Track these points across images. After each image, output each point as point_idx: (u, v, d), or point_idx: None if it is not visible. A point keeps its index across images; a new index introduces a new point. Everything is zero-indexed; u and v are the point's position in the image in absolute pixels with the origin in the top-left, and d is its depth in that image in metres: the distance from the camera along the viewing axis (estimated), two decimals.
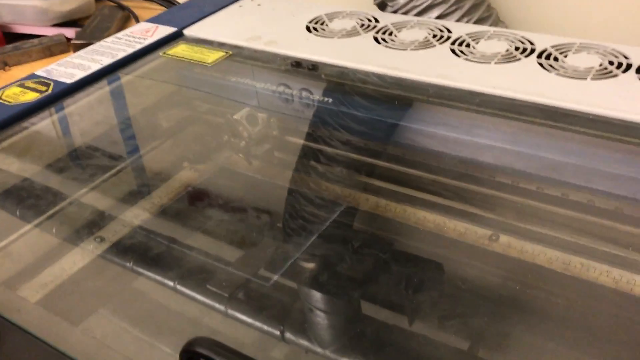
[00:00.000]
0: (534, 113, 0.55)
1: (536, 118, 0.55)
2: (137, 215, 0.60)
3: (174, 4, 1.07)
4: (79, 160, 0.67)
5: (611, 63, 0.59)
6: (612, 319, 0.48)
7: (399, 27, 0.71)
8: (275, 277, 0.51)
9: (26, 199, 0.60)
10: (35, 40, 0.99)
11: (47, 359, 0.37)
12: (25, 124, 0.62)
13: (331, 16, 0.75)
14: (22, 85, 0.66)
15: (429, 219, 0.56)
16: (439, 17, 0.75)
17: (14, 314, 0.40)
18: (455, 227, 0.55)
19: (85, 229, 0.58)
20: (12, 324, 0.39)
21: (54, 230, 0.59)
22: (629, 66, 0.59)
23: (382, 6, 0.79)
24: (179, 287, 0.51)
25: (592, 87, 0.56)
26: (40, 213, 0.58)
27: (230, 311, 0.49)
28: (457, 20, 0.75)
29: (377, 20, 0.73)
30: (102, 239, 0.58)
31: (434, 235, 0.55)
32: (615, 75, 0.58)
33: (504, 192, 0.57)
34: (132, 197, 0.63)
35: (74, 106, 0.65)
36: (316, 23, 0.74)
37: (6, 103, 0.63)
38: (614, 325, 0.47)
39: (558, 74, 0.59)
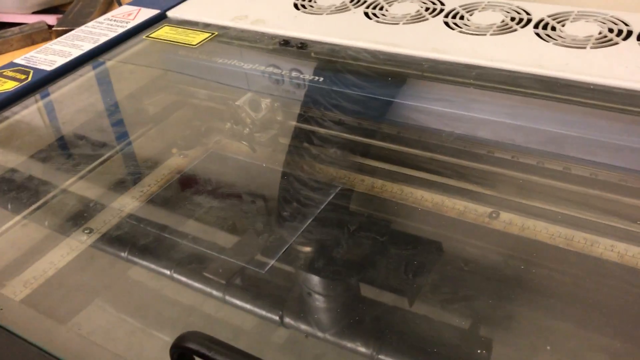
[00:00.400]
0: (533, 85, 0.53)
1: (535, 90, 0.53)
2: (126, 204, 0.58)
3: None
4: (61, 149, 0.64)
5: (611, 30, 0.57)
6: (617, 293, 0.46)
7: (390, 1, 0.68)
8: (272, 262, 0.50)
9: (9, 191, 0.57)
10: (16, 29, 0.96)
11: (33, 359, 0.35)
12: (5, 113, 0.59)
13: None
14: (0, 75, 0.64)
15: (427, 198, 0.55)
16: None
17: None
18: (454, 205, 0.54)
19: (73, 221, 0.56)
20: None
21: (40, 223, 0.57)
22: (629, 33, 0.57)
23: None
24: (175, 275, 0.50)
25: (592, 56, 0.54)
26: (24, 205, 0.56)
27: (228, 298, 0.47)
28: None
29: None
30: (91, 230, 0.56)
31: (433, 214, 0.53)
32: (616, 43, 0.56)
33: (503, 168, 0.55)
34: (121, 185, 0.61)
35: (54, 94, 0.63)
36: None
37: None
38: (620, 299, 0.45)
39: (556, 44, 0.57)
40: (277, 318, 0.45)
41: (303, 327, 0.45)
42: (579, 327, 0.44)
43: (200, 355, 0.30)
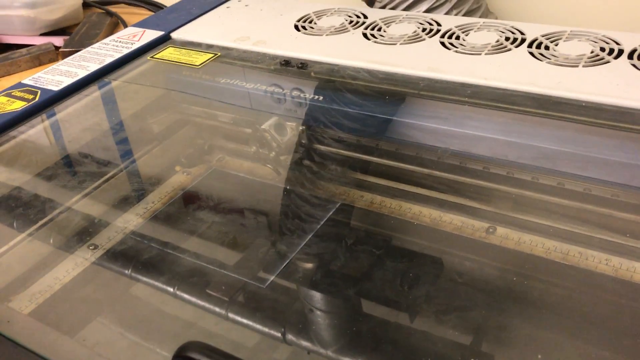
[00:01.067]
0: (526, 102, 0.54)
1: (529, 107, 0.54)
2: (130, 221, 0.59)
3: (161, 9, 1.06)
4: (67, 167, 0.66)
5: (602, 49, 0.59)
6: (612, 307, 0.47)
7: (388, 22, 0.70)
8: (272, 278, 0.50)
9: (16, 209, 0.59)
10: (24, 50, 0.98)
11: None
12: (13, 132, 0.61)
13: (319, 14, 0.74)
14: (8, 95, 0.65)
15: (425, 213, 0.56)
16: (427, 11, 0.75)
17: (3, 325, 0.39)
18: (451, 220, 0.55)
19: (78, 237, 0.57)
20: (3, 336, 0.38)
21: (45, 240, 0.58)
22: (620, 52, 0.58)
23: (370, 2, 0.78)
24: (178, 293, 0.50)
25: (585, 74, 0.56)
26: (30, 223, 0.57)
27: (230, 315, 0.48)
28: (446, 13, 0.74)
29: (365, 17, 0.72)
30: (96, 247, 0.57)
31: (431, 230, 0.54)
32: (608, 62, 0.57)
33: (499, 184, 0.57)
34: (125, 203, 0.62)
35: (61, 114, 0.64)
36: (304, 21, 0.73)
37: None
38: (614, 313, 0.46)
39: (549, 63, 0.58)
40: (279, 335, 0.46)
41: (305, 343, 0.46)
42: (573, 339, 0.45)
43: None
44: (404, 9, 0.75)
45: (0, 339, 0.38)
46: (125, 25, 1.05)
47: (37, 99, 0.64)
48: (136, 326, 0.50)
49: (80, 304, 0.52)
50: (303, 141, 0.65)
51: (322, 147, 0.64)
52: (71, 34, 1.02)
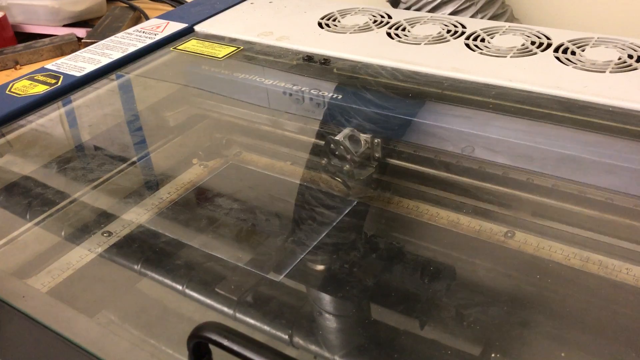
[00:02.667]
0: (552, 105, 0.54)
1: (553, 110, 0.53)
2: (145, 211, 0.59)
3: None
4: (84, 153, 0.66)
5: (630, 57, 0.58)
6: (632, 316, 0.46)
7: (412, 22, 0.70)
8: (287, 271, 0.50)
9: (33, 193, 0.59)
10: (47, 40, 0.99)
11: (51, 346, 0.36)
12: (34, 115, 0.61)
13: (343, 12, 0.74)
14: (31, 79, 0.66)
15: (443, 215, 0.55)
16: (452, 14, 0.74)
17: (18, 300, 0.39)
18: (469, 224, 0.54)
19: (92, 224, 0.57)
20: (16, 310, 0.38)
21: (59, 225, 0.58)
22: None
23: (394, 3, 0.78)
24: (187, 291, 0.50)
25: (612, 80, 0.55)
26: (45, 207, 0.57)
27: (238, 315, 0.47)
28: (472, 17, 0.74)
29: (389, 17, 0.72)
30: (110, 234, 0.57)
31: (448, 232, 0.54)
32: (635, 69, 0.56)
33: (519, 190, 0.56)
34: (141, 191, 0.62)
35: (83, 99, 0.64)
36: (328, 19, 0.73)
37: (15, 95, 0.63)
38: (635, 322, 0.45)
39: (575, 67, 0.58)
40: (286, 337, 0.45)
41: (312, 347, 0.45)
42: (589, 348, 0.44)
43: (217, 344, 0.31)
44: (429, 11, 0.75)
45: (15, 314, 0.38)
46: (148, 19, 1.06)
47: (59, 83, 0.64)
48: (146, 310, 0.50)
49: (91, 288, 0.52)
50: (320, 140, 0.65)
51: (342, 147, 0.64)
52: (94, 26, 1.03)
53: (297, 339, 0.45)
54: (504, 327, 0.45)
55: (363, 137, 0.59)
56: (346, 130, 0.59)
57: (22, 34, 1.04)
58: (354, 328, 0.47)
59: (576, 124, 0.53)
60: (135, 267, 0.52)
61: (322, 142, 0.62)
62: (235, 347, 0.30)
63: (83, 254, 0.55)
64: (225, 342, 0.30)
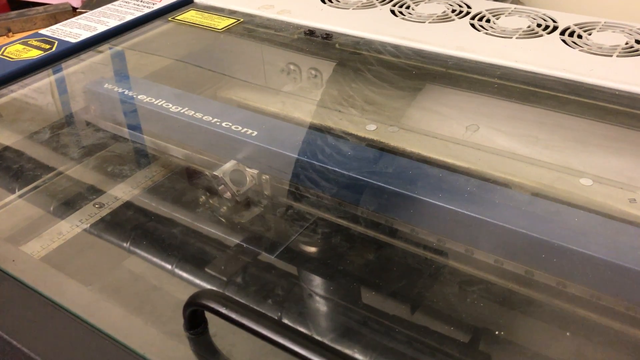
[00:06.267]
0: (558, 87, 0.53)
1: (561, 93, 0.52)
2: (138, 184, 0.58)
3: None
4: (78, 121, 0.64)
5: (638, 42, 0.57)
6: None
7: (417, 1, 0.68)
8: (281, 249, 0.49)
9: (23, 160, 0.57)
10: (40, 8, 0.97)
11: (42, 312, 0.35)
12: (27, 80, 0.59)
13: None
14: (25, 43, 0.64)
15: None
16: None
17: (8, 264, 0.38)
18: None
19: (84, 195, 0.56)
20: (7, 275, 0.37)
21: (51, 195, 0.56)
22: None
23: None
24: (176, 270, 0.49)
25: (619, 64, 0.54)
26: (37, 176, 0.56)
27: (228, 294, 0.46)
28: None
29: None
30: (102, 205, 0.55)
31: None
32: None
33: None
34: (136, 165, 0.60)
35: (78, 65, 0.63)
36: None
37: (8, 59, 0.61)
38: None
39: (582, 51, 0.57)
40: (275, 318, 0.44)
41: (301, 329, 0.44)
42: None
43: (215, 312, 0.30)
44: None
45: (4, 278, 0.37)
46: None
47: (53, 49, 0.62)
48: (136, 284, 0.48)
49: (82, 258, 0.51)
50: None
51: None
52: None
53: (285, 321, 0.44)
54: None
55: (249, 171, 0.50)
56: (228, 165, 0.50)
57: (16, 1, 1.02)
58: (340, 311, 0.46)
59: (582, 106, 0.52)
60: (124, 248, 0.51)
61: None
62: (234, 315, 0.29)
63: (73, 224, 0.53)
64: (224, 310, 0.29)
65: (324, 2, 0.70)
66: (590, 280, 0.42)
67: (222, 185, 0.50)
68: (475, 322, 0.42)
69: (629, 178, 0.51)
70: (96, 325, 0.34)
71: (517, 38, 0.60)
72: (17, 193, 0.56)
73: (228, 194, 0.50)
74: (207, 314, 0.32)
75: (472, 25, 0.63)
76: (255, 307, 0.29)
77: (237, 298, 0.32)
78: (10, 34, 0.93)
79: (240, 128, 0.54)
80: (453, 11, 0.66)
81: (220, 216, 0.51)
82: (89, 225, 0.53)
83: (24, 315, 0.35)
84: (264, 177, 0.51)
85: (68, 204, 0.55)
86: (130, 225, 0.52)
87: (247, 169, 0.51)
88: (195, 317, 0.31)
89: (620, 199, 0.50)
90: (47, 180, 0.56)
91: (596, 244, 0.41)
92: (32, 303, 0.36)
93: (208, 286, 0.44)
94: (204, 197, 0.53)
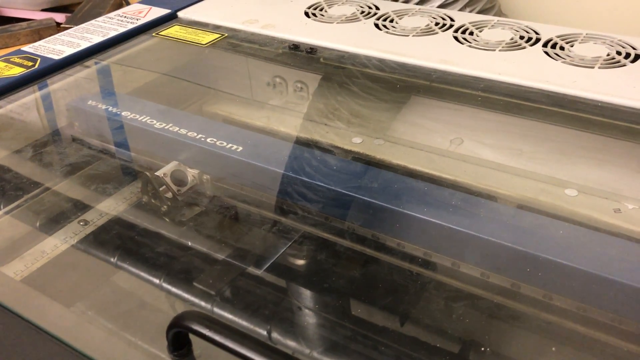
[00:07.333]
0: (541, 99, 0.53)
1: (543, 105, 0.53)
2: (123, 200, 0.57)
3: None
4: (60, 139, 0.64)
5: (619, 53, 0.58)
6: None
7: (400, 14, 0.69)
8: (269, 264, 0.48)
9: (7, 177, 0.57)
10: (24, 24, 0.96)
11: (23, 334, 0.34)
12: (9, 98, 0.59)
13: (330, 2, 0.73)
14: (7, 61, 0.63)
15: None
16: (440, 6, 0.73)
17: None
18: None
19: (69, 213, 0.55)
20: None
21: (35, 213, 0.56)
22: (637, 56, 0.57)
23: None
24: (164, 285, 0.48)
25: (601, 76, 0.55)
26: (21, 193, 0.55)
27: (216, 310, 0.45)
28: (460, 10, 0.73)
29: (377, 8, 0.71)
30: (86, 222, 0.55)
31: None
32: (624, 65, 0.56)
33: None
34: (120, 179, 0.60)
35: (61, 82, 0.62)
36: (315, 9, 0.72)
37: None
38: None
39: (565, 62, 0.57)
40: (264, 333, 0.44)
41: (291, 343, 0.43)
42: None
43: (198, 334, 0.29)
44: (417, 3, 0.74)
45: None
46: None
47: (36, 66, 0.62)
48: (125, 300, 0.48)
49: (65, 277, 0.50)
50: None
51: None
52: (73, 12, 1.00)
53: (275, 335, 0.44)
54: None
55: (190, 172, 0.51)
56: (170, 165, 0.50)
57: None
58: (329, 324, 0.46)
59: (565, 118, 0.52)
60: (112, 263, 0.50)
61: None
62: (217, 337, 0.28)
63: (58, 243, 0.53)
64: (207, 332, 0.29)
65: (308, 17, 0.70)
66: (576, 293, 0.42)
67: (164, 186, 0.50)
68: (461, 335, 0.42)
69: (613, 188, 0.51)
70: (79, 349, 0.33)
71: (500, 50, 0.60)
72: None
73: (169, 194, 0.50)
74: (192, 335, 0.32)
75: (456, 38, 0.63)
76: (239, 329, 0.29)
77: (218, 318, 0.31)
78: None
79: (225, 144, 0.54)
80: (437, 24, 0.66)
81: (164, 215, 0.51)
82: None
83: (5, 338, 0.35)
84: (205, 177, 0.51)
85: (52, 222, 0.55)
86: (114, 244, 0.52)
87: (189, 169, 0.51)
88: (178, 339, 0.31)
89: (605, 210, 0.50)
90: (30, 199, 0.56)
91: (582, 256, 0.42)
92: (13, 326, 0.35)
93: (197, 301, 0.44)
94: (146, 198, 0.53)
